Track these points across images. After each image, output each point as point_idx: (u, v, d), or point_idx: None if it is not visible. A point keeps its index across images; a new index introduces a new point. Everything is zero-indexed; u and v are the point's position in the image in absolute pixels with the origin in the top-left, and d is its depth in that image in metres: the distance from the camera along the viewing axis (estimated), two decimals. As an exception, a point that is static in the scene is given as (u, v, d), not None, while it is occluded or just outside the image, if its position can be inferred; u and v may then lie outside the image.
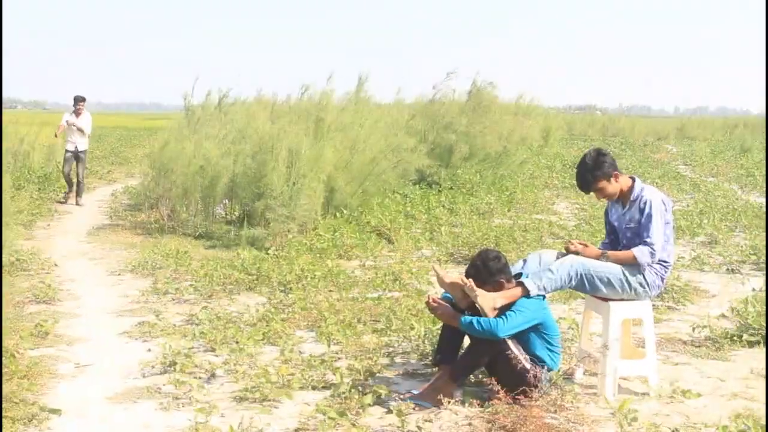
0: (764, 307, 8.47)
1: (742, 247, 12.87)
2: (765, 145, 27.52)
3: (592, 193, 6.82)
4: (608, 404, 6.18)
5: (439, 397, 6.18)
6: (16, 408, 5.99)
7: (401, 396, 6.33)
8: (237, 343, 7.58)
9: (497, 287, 6.38)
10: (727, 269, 11.66)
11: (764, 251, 12.14)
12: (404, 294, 9.63)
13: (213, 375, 6.93)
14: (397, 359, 7.40)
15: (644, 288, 6.55)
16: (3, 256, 10.38)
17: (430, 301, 6.51)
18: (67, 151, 18.68)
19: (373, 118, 18.15)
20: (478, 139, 21.40)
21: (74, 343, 7.93)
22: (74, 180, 18.62)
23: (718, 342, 8.04)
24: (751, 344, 7.96)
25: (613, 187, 6.67)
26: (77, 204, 18.15)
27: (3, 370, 6.48)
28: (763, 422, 5.22)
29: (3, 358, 6.64)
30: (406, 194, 17.81)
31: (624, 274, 6.49)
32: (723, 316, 8.84)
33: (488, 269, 6.39)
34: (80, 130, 18.51)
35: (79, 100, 18.68)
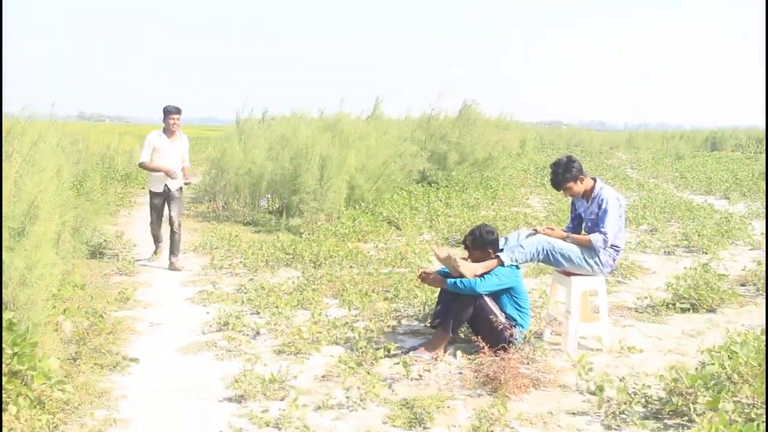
0: (695, 281, 8.46)
1: (676, 234, 12.83)
2: (765, 153, 26.45)
3: (561, 191, 6.88)
4: (570, 358, 6.20)
5: (436, 350, 6.25)
6: (104, 357, 6.04)
7: (404, 350, 6.40)
8: (277, 307, 7.60)
9: (485, 254, 6.56)
10: (664, 251, 11.64)
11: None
12: (409, 270, 9.62)
13: (258, 333, 6.96)
14: (404, 321, 7.41)
15: (599, 266, 6.59)
16: (94, 238, 10.43)
17: (421, 273, 6.64)
18: (154, 194, 10.21)
19: (383, 130, 18.17)
20: (468, 148, 21.34)
21: (149, 306, 7.97)
22: (164, 230, 10.40)
23: (657, 309, 8.04)
24: (683, 310, 7.96)
25: (579, 187, 6.76)
26: (173, 267, 9.92)
27: (93, 328, 6.52)
28: (692, 372, 5.22)
29: (93, 318, 6.67)
30: (410, 191, 17.76)
31: (582, 253, 6.55)
32: (660, 288, 8.83)
33: (483, 238, 6.59)
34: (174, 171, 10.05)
35: (172, 111, 10.00)
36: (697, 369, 5.49)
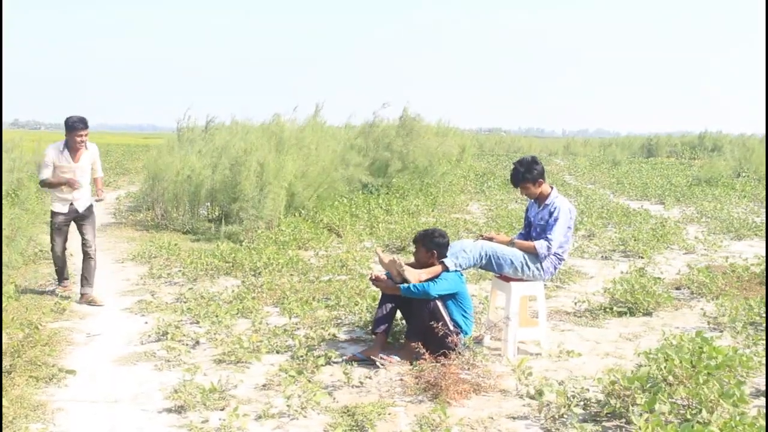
0: (631, 285, 8.59)
1: (613, 239, 13.03)
2: (765, 158, 26.40)
3: (518, 188, 7.00)
4: (509, 362, 6.26)
5: (380, 355, 6.28)
6: (40, 369, 5.93)
7: (346, 357, 6.41)
8: (217, 316, 7.55)
9: (429, 255, 6.59)
10: (602, 256, 11.81)
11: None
12: (350, 277, 9.63)
13: (197, 342, 6.90)
14: (344, 329, 7.41)
15: (540, 272, 6.68)
16: (29, 248, 10.23)
17: (373, 277, 6.65)
18: (56, 214, 8.59)
19: (324, 137, 18.17)
20: (410, 156, 21.47)
21: (86, 317, 7.84)
22: (70, 257, 9.28)
23: (594, 313, 8.16)
24: (619, 314, 8.08)
25: (535, 189, 6.87)
26: (87, 300, 8.44)
27: (28, 340, 6.39)
28: (629, 374, 5.30)
29: (28, 329, 6.54)
30: (351, 198, 17.79)
31: (524, 259, 6.63)
32: (598, 292, 8.96)
33: (432, 239, 6.61)
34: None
35: (78, 128, 8.35)
36: (633, 372, 5.57)
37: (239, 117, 19.34)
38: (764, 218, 16.26)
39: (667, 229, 14.03)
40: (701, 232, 14.37)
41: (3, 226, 8.77)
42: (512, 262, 6.63)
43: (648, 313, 8.16)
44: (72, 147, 8.45)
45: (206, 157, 15.33)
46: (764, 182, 24.16)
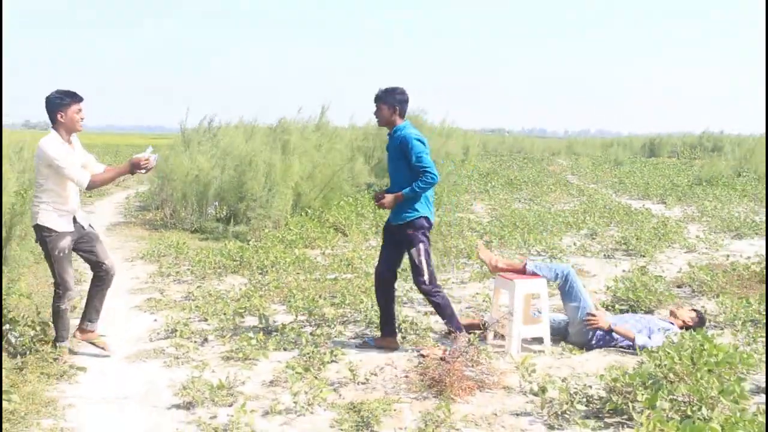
0: (633, 283, 8.59)
1: (615, 237, 13.02)
2: (765, 156, 26.23)
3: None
4: (513, 360, 6.27)
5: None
6: (51, 366, 5.95)
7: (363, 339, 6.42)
8: (224, 314, 7.57)
9: (393, 113, 6.68)
10: (604, 255, 11.79)
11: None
12: (355, 275, 9.64)
13: (206, 339, 6.92)
14: (350, 326, 7.42)
15: (586, 335, 6.85)
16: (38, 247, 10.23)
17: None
18: (62, 235, 6.01)
19: (332, 139, 18.18)
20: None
21: (96, 315, 7.85)
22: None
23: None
24: (622, 312, 8.04)
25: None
26: (90, 338, 6.46)
27: (40, 338, 6.39)
28: (630, 371, 5.30)
29: (42, 325, 6.51)
30: (357, 198, 17.78)
31: (582, 314, 6.87)
32: (600, 290, 8.96)
33: (394, 96, 6.65)
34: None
35: (74, 100, 5.96)
36: (635, 369, 5.57)
37: (246, 118, 19.33)
38: (764, 217, 16.21)
39: (669, 228, 14.01)
40: (702, 231, 14.34)
41: (15, 225, 8.78)
42: (579, 300, 6.84)
43: (650, 311, 8.14)
44: (71, 130, 6.09)
45: (212, 158, 15.34)
46: (764, 181, 24.07)
